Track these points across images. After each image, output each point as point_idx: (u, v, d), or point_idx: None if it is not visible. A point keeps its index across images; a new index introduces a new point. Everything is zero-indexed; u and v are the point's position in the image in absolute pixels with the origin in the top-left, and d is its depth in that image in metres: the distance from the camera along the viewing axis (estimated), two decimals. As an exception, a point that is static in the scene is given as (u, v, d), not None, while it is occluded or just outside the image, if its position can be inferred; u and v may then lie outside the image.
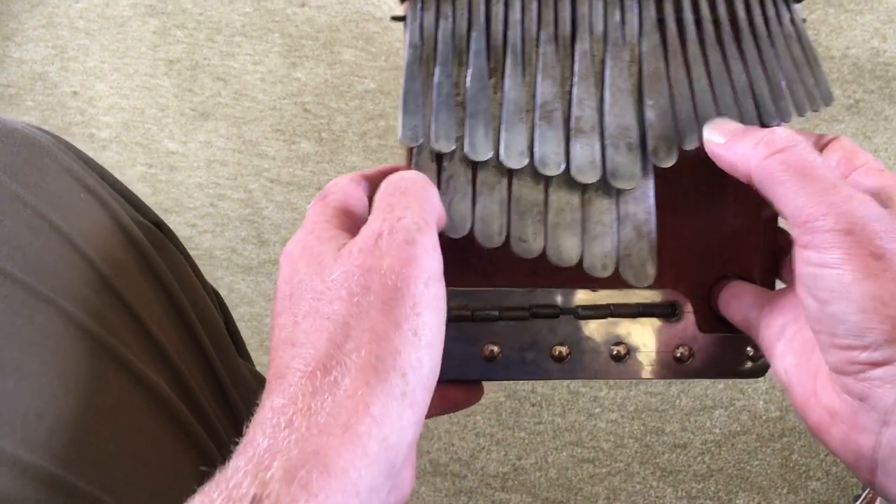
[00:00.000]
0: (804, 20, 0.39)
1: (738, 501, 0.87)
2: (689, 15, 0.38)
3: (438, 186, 0.35)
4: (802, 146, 0.31)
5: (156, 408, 0.38)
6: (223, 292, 0.98)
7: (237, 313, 0.97)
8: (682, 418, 0.90)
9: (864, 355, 0.27)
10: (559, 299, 0.37)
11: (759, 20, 0.38)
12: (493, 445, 0.90)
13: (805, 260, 0.29)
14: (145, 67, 1.14)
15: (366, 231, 0.30)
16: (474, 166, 0.36)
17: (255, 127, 1.09)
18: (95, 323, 0.36)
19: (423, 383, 0.27)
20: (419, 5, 0.37)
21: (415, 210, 0.30)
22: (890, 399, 0.27)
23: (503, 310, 0.37)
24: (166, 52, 1.15)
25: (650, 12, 0.38)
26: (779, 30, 0.38)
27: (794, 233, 0.30)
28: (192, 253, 0.49)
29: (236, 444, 0.26)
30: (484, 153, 0.35)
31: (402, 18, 0.39)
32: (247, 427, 0.27)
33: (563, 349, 0.37)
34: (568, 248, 0.35)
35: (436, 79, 0.36)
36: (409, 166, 0.36)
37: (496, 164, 0.35)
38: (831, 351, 0.29)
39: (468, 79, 0.36)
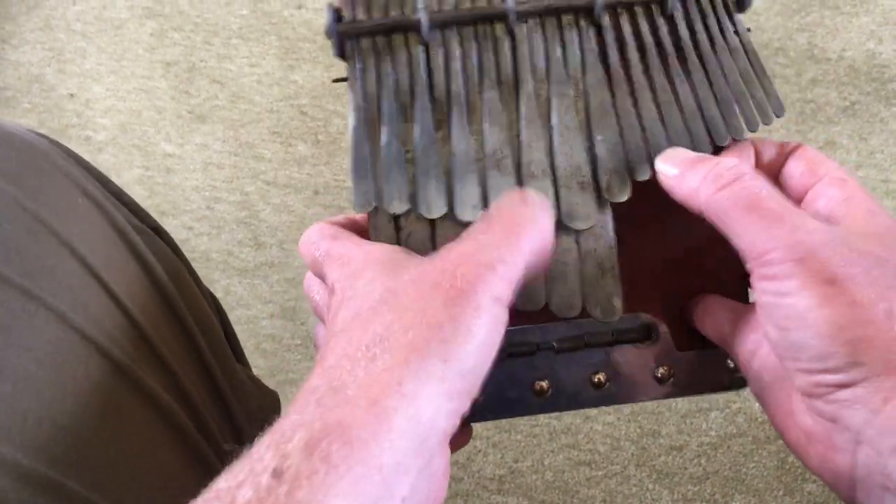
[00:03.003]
0: (748, 30, 0.38)
1: None
2: (631, 43, 0.37)
3: (398, 244, 0.34)
4: (749, 177, 0.31)
5: (154, 413, 0.38)
6: (219, 295, 0.98)
7: (233, 316, 0.97)
8: (678, 421, 0.90)
9: (829, 378, 0.28)
10: (534, 336, 0.37)
11: (702, 37, 0.37)
12: (490, 448, 0.90)
13: (763, 290, 0.30)
14: (142, 70, 1.14)
15: (453, 247, 0.29)
16: (432, 221, 0.35)
17: (252, 129, 1.09)
18: (93, 327, 0.36)
19: (465, 378, 0.26)
20: (359, 66, 0.36)
21: (508, 243, 0.29)
22: (859, 419, 0.27)
23: None
24: (163, 54, 1.15)
25: (591, 44, 0.37)
26: (723, 44, 0.37)
27: (750, 266, 0.31)
28: (188, 256, 0.49)
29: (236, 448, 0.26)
30: (438, 210, 0.34)
31: (344, 80, 0.38)
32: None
33: (544, 383, 0.37)
34: (534, 293, 0.35)
35: (383, 139, 0.35)
36: (367, 222, 0.35)
37: (452, 217, 0.35)
38: (798, 375, 0.29)
39: (416, 135, 0.35)
